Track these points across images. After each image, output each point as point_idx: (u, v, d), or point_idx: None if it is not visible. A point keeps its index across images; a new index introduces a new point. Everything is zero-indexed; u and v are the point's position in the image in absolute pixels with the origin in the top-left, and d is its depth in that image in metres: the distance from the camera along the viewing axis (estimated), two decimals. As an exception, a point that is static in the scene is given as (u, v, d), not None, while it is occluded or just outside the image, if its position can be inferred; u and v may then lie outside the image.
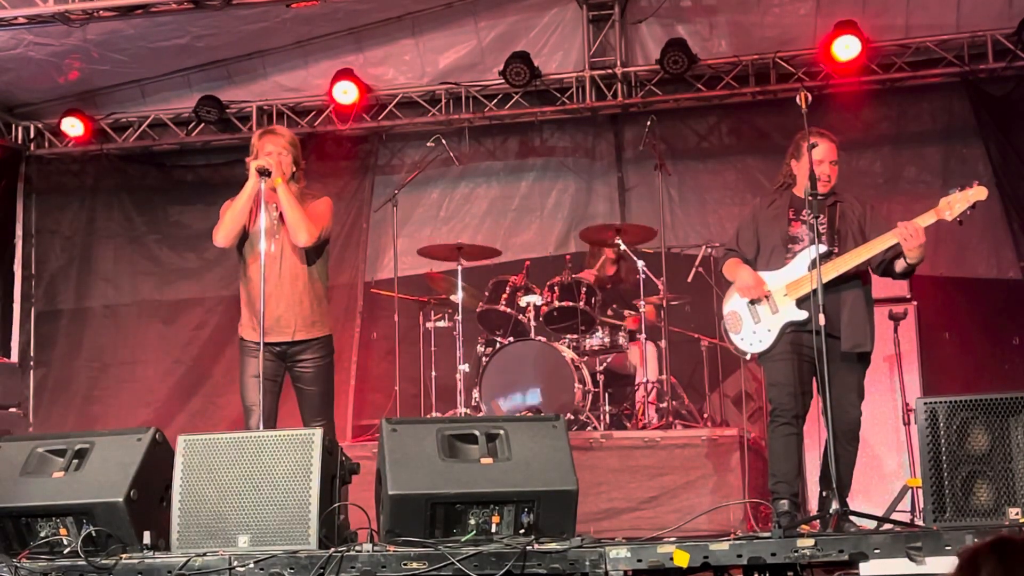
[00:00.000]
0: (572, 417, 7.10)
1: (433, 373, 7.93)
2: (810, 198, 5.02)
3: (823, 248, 5.08)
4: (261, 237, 5.41)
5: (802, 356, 5.14)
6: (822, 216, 5.19)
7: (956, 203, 5.00)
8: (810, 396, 5.19)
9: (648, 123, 7.85)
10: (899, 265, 5.17)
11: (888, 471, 7.05)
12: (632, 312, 7.69)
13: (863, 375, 5.22)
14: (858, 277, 5.20)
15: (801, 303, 5.13)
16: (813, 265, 4.97)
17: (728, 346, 5.51)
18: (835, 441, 4.75)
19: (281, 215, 5.50)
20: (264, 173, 5.37)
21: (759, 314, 5.27)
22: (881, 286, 5.81)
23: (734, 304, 5.40)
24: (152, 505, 4.48)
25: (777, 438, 5.13)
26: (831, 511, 4.53)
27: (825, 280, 4.94)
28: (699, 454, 6.58)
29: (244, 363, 5.51)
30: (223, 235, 5.53)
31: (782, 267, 5.26)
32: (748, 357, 5.43)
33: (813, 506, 5.78)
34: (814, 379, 5.13)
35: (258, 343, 5.32)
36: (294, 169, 5.59)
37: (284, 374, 5.59)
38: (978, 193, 5.02)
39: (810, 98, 5.06)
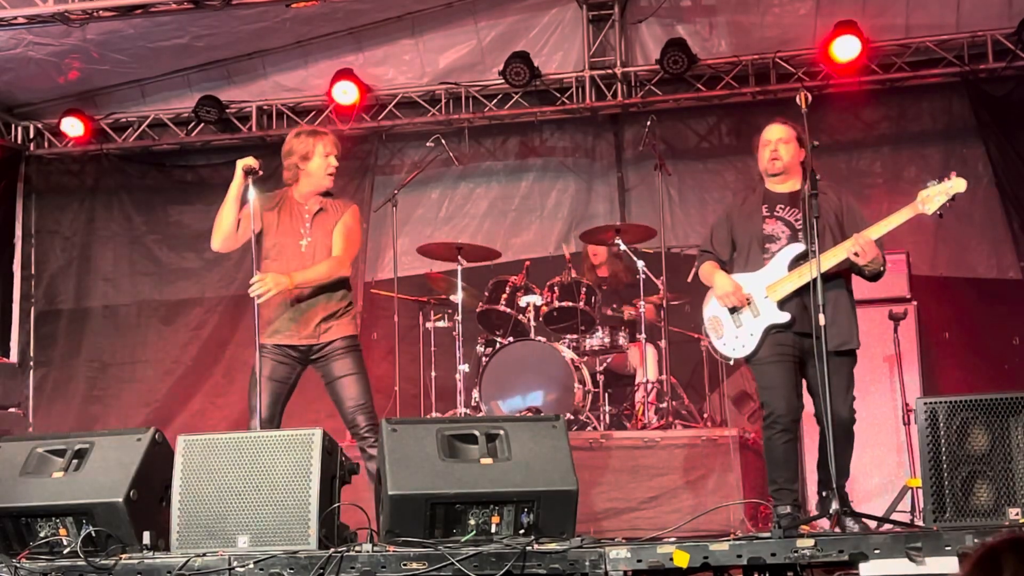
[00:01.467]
0: (572, 417, 7.10)
1: (433, 373, 7.93)
2: (809, 195, 4.89)
3: (800, 247, 5.01)
4: (252, 240, 5.40)
5: (789, 358, 5.05)
6: (795, 211, 5.10)
7: (935, 196, 4.92)
8: (802, 397, 5.10)
9: (648, 123, 7.85)
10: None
11: (888, 471, 7.05)
12: (632, 311, 7.69)
13: (851, 372, 5.11)
14: (840, 275, 5.09)
15: (783, 305, 5.03)
16: (792, 265, 4.93)
17: (711, 350, 5.40)
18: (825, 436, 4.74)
19: (312, 216, 5.49)
20: (251, 172, 5.36)
21: (740, 318, 5.16)
22: (881, 286, 5.76)
23: (714, 309, 5.28)
24: (152, 505, 4.48)
25: (775, 446, 5.03)
26: (831, 511, 4.51)
27: (802, 282, 4.90)
28: (699, 454, 6.58)
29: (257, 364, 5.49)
30: (217, 239, 5.50)
31: (760, 268, 5.14)
32: (731, 362, 5.36)
33: (812, 508, 5.74)
34: (803, 380, 5.08)
35: (274, 345, 5.33)
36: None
37: (298, 377, 5.55)
38: (956, 185, 4.93)
39: (810, 98, 4.97)
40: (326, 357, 5.43)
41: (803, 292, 4.94)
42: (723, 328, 5.22)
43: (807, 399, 5.12)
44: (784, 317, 5.02)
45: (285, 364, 5.39)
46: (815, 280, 4.72)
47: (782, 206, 5.16)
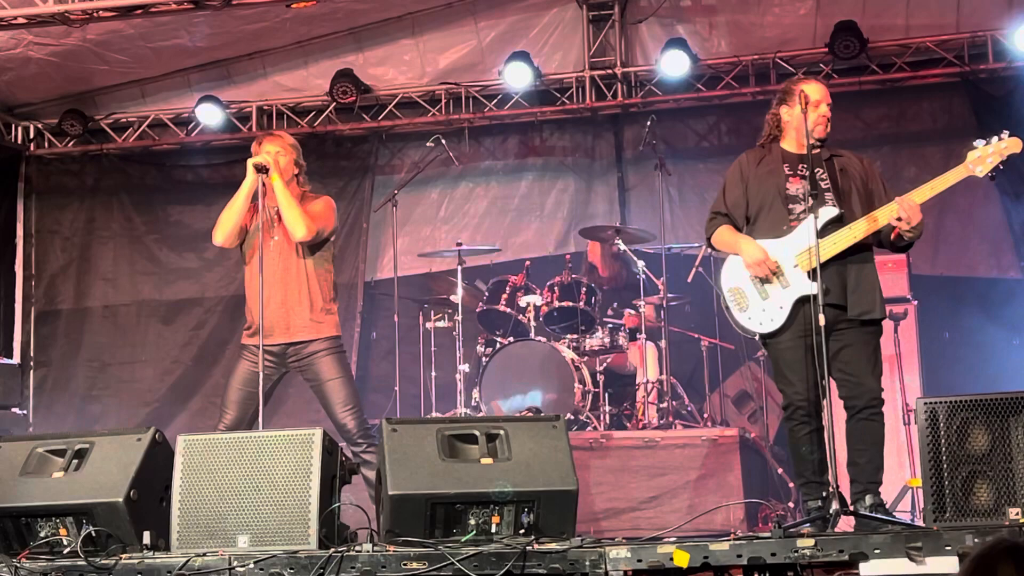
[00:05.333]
0: (572, 417, 7.10)
1: (433, 373, 7.94)
2: (813, 150, 4.72)
3: (832, 211, 4.69)
4: (260, 235, 5.38)
5: (809, 335, 4.67)
6: (818, 169, 4.74)
7: (987, 157, 4.62)
8: (823, 381, 4.67)
9: (648, 123, 7.85)
10: (896, 237, 4.79)
11: (888, 471, 7.04)
12: (632, 312, 7.69)
13: (878, 345, 4.82)
14: (864, 245, 4.80)
15: (814, 275, 4.63)
16: (822, 232, 4.63)
17: (732, 324, 4.97)
18: (856, 416, 4.67)
19: (279, 212, 5.47)
20: (261, 170, 5.34)
21: (767, 289, 4.79)
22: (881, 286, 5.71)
23: (736, 278, 4.88)
24: (152, 505, 4.48)
25: (797, 437, 4.80)
26: (831, 511, 4.48)
27: (836, 251, 4.65)
28: (699, 454, 6.57)
29: (235, 366, 5.49)
30: (220, 234, 5.49)
31: (786, 234, 4.79)
32: (756, 337, 4.96)
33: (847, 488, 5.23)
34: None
35: (255, 347, 5.29)
36: (296, 171, 5.55)
37: (277, 380, 5.53)
38: (1011, 145, 4.61)
39: (810, 98, 4.80)
40: (308, 359, 5.41)
41: (836, 261, 4.65)
42: (747, 300, 4.83)
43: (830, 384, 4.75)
44: (815, 288, 4.59)
45: (265, 366, 5.31)
46: (816, 296, 4.53)
47: (804, 166, 4.81)
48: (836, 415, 4.54)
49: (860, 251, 4.80)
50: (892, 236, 4.83)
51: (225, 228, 5.46)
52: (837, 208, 4.74)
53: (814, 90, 4.91)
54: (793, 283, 4.78)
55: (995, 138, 4.71)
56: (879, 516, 4.58)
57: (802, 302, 4.76)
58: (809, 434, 4.78)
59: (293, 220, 5.35)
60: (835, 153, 4.97)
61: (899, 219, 4.67)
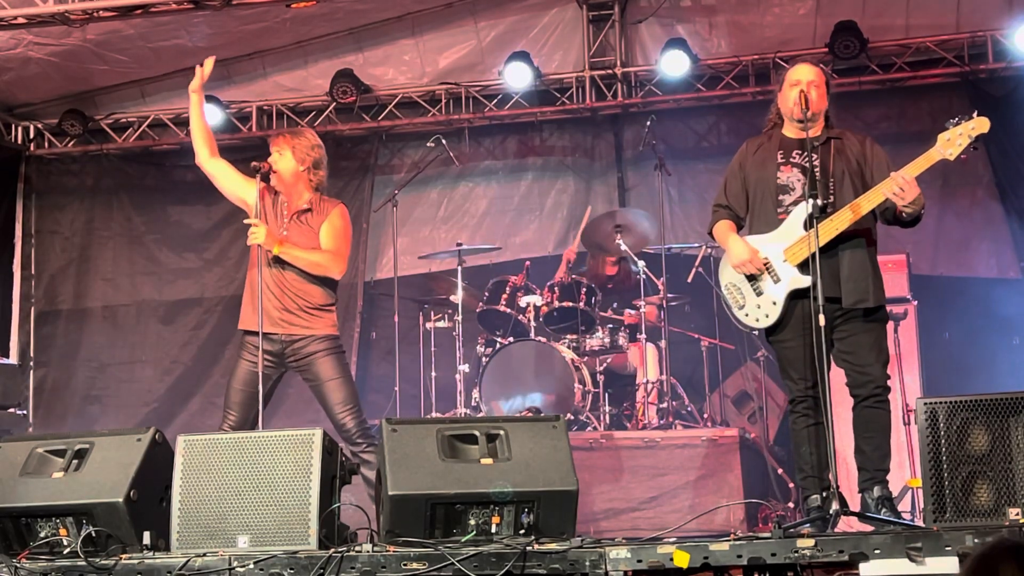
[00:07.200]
0: (572, 417, 7.10)
1: (433, 373, 7.94)
2: (802, 132, 4.71)
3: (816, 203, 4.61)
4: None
5: (809, 330, 4.65)
6: (815, 157, 4.70)
7: (957, 139, 4.66)
8: (827, 373, 4.64)
9: (648, 123, 7.85)
10: (899, 213, 4.75)
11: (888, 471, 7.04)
12: (632, 312, 7.69)
13: (881, 333, 4.79)
14: (858, 233, 4.76)
15: (804, 267, 4.67)
16: (809, 223, 4.59)
17: (732, 321, 5.00)
18: (861, 404, 4.68)
19: (292, 212, 5.49)
20: (258, 171, 5.37)
21: (760, 285, 4.84)
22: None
23: (733, 275, 4.93)
24: (152, 505, 4.48)
25: (799, 430, 4.81)
26: (831, 511, 4.48)
27: (822, 242, 4.55)
28: (699, 454, 6.57)
29: (234, 366, 5.49)
30: (198, 148, 5.58)
31: (774, 225, 4.82)
32: (756, 333, 4.98)
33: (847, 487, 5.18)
34: (828, 353, 4.65)
35: (253, 346, 5.30)
36: (300, 167, 5.54)
37: (277, 380, 5.53)
38: (979, 125, 4.65)
39: (809, 101, 4.77)
40: (306, 359, 5.40)
41: (824, 251, 4.57)
42: (743, 296, 4.89)
43: (835, 372, 4.74)
44: (806, 280, 4.64)
45: (264, 366, 5.32)
46: (814, 284, 4.52)
47: (799, 152, 4.83)
48: (837, 415, 4.53)
49: (854, 238, 4.78)
50: (897, 212, 4.80)
51: (197, 145, 5.58)
52: (821, 198, 4.68)
53: (794, 72, 4.93)
54: (784, 277, 4.80)
55: (964, 118, 4.75)
56: (879, 517, 4.59)
57: (796, 295, 4.78)
58: (808, 427, 4.80)
59: (323, 268, 5.42)
60: (833, 135, 4.94)
61: (895, 193, 4.64)
